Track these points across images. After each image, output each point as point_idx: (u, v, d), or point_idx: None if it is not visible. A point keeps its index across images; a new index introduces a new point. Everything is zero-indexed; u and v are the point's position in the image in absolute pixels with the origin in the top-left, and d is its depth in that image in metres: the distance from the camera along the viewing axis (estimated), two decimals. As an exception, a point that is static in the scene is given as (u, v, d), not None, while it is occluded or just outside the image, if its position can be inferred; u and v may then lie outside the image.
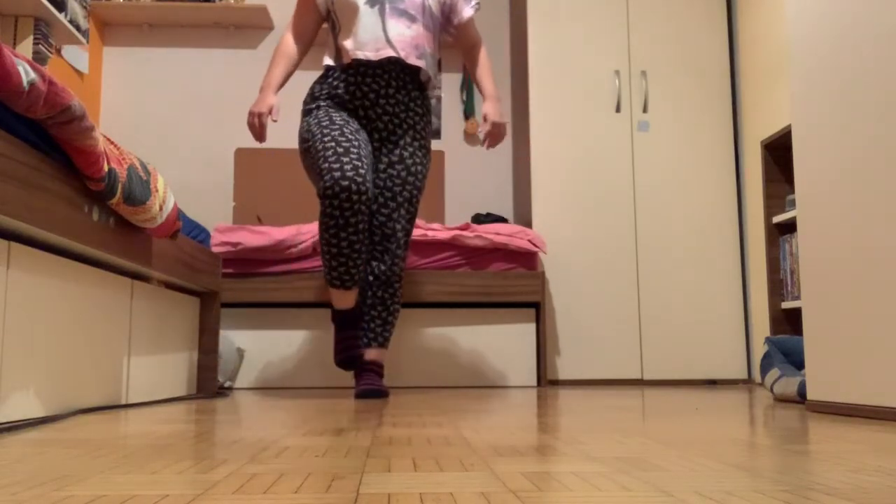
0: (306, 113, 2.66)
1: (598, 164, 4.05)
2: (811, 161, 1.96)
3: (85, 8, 3.99)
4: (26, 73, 1.48)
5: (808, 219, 1.97)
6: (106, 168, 1.79)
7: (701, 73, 4.15)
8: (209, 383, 2.90)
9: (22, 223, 1.53)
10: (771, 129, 3.82)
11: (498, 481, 0.85)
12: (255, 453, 1.10)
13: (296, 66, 2.74)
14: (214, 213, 4.46)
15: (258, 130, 2.62)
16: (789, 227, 3.35)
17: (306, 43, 2.76)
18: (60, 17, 3.57)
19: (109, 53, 4.52)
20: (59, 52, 3.95)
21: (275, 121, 2.61)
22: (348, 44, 2.62)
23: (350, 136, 2.51)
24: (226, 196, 4.49)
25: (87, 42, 3.98)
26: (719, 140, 4.12)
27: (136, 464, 0.99)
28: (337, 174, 2.40)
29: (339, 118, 2.58)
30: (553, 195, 4.01)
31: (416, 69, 2.69)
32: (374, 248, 2.66)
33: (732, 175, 4.10)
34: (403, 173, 2.67)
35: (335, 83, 2.64)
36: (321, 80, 2.68)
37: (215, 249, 3.52)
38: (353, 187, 2.39)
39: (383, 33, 2.61)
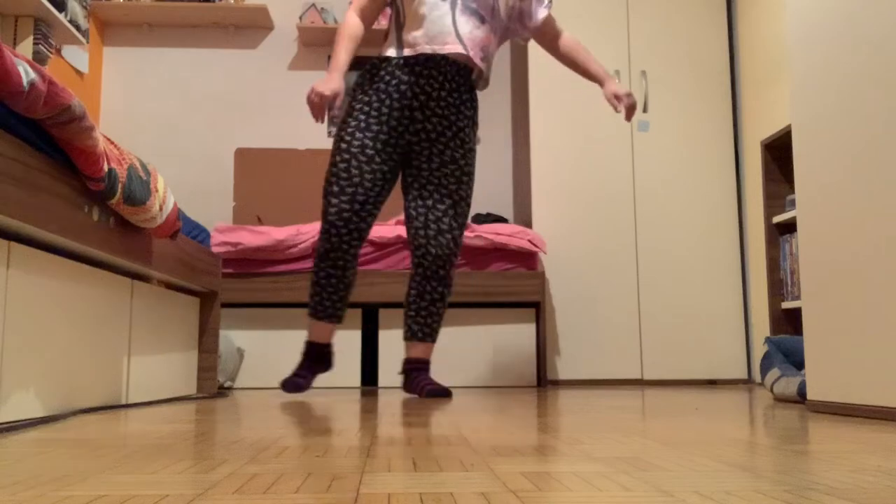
0: (353, 97, 2.63)
1: (598, 164, 4.05)
2: (811, 161, 1.96)
3: (85, 8, 3.99)
4: (26, 73, 1.48)
5: (808, 219, 1.97)
6: (106, 168, 1.79)
7: (701, 73, 4.15)
8: (209, 383, 2.90)
9: (22, 223, 1.53)
10: (771, 129, 3.82)
11: (498, 481, 0.85)
12: (255, 453, 1.10)
13: (357, 47, 2.69)
14: (214, 213, 4.46)
15: (318, 110, 2.55)
16: (789, 227, 3.35)
17: (368, 26, 2.71)
18: (60, 17, 3.57)
19: (109, 53, 4.52)
20: (59, 52, 3.95)
21: (335, 111, 2.58)
22: (414, 35, 2.57)
23: (354, 172, 2.54)
24: (226, 196, 4.49)
25: (87, 42, 3.98)
26: (719, 140, 4.12)
27: (136, 464, 0.99)
28: (333, 209, 2.54)
29: (358, 146, 2.55)
30: (553, 195, 4.01)
31: (469, 70, 2.64)
32: (429, 244, 2.61)
33: (732, 175, 4.10)
34: (458, 173, 2.64)
35: (388, 78, 2.58)
36: (373, 71, 2.62)
37: (215, 249, 3.52)
38: (333, 230, 2.54)
39: (453, 28, 2.56)
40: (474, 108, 2.70)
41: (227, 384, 3.49)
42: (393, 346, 3.65)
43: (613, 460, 1.02)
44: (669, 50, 4.15)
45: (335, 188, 2.55)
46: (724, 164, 4.10)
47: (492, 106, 4.62)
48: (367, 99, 2.59)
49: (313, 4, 4.49)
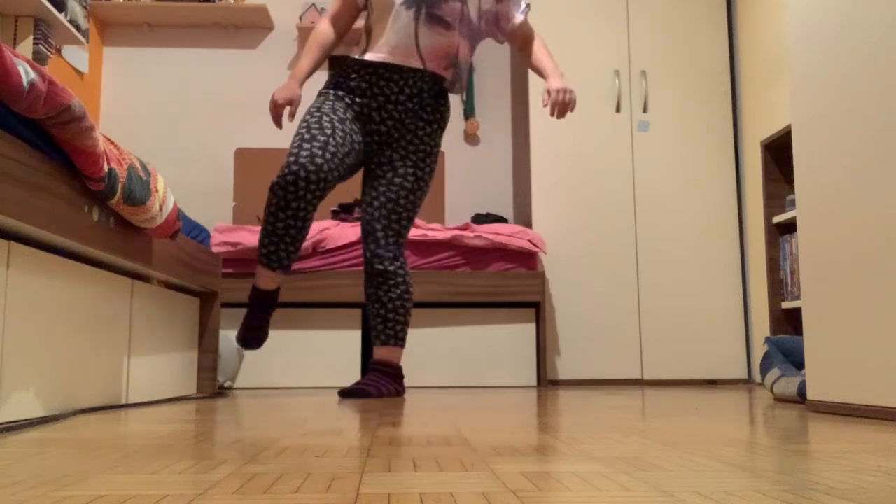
0: (317, 97, 2.66)
1: (598, 164, 4.05)
2: (811, 161, 1.96)
3: (85, 8, 3.99)
4: (26, 73, 1.48)
5: (808, 219, 1.97)
6: (106, 168, 1.79)
7: (701, 73, 4.15)
8: (209, 383, 2.90)
9: (22, 223, 1.53)
10: (771, 129, 3.82)
11: (498, 481, 0.85)
12: (255, 453, 1.10)
13: (327, 55, 2.69)
14: (214, 213, 4.46)
15: (274, 117, 2.61)
16: (789, 227, 3.35)
17: (340, 33, 2.70)
18: (60, 17, 3.57)
19: (109, 53, 4.52)
20: (59, 52, 3.95)
21: (290, 118, 2.58)
22: (379, 43, 2.58)
23: (326, 125, 2.50)
24: (226, 196, 4.49)
25: (87, 42, 3.98)
26: (719, 140, 4.12)
27: (136, 464, 0.99)
28: (291, 158, 2.45)
29: (328, 107, 2.56)
30: (553, 195, 4.01)
31: (437, 77, 2.63)
32: (367, 242, 2.65)
33: (732, 175, 4.10)
34: (406, 183, 2.64)
35: (353, 76, 2.60)
36: (343, 70, 2.64)
37: (215, 249, 3.52)
38: (302, 174, 2.42)
39: (415, 41, 2.56)
40: (440, 113, 2.68)
41: (227, 384, 3.49)
42: (393, 346, 3.65)
43: (613, 460, 1.02)
44: (669, 50, 4.15)
45: (307, 135, 2.48)
46: (724, 164, 4.10)
47: (492, 106, 4.62)
48: (331, 94, 2.61)
49: (313, 4, 4.49)
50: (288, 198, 2.44)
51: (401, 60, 2.57)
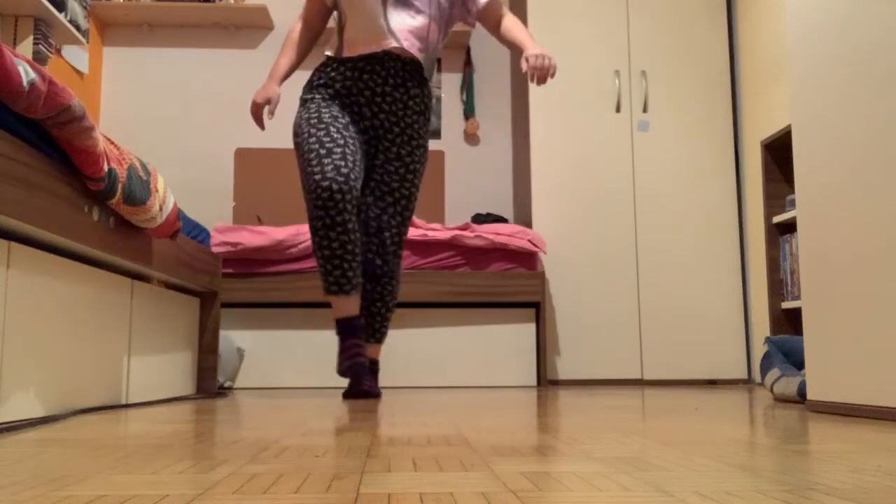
0: (302, 103, 2.61)
1: (598, 164, 4.05)
2: (811, 161, 1.96)
3: (85, 8, 3.99)
4: (26, 73, 1.48)
5: (808, 219, 1.97)
6: (106, 168, 1.79)
7: (701, 73, 4.15)
8: (209, 383, 2.90)
9: (22, 223, 1.53)
10: (771, 129, 3.82)
11: (498, 481, 0.85)
12: (255, 453, 1.10)
13: (303, 56, 2.68)
14: (214, 213, 4.46)
15: (255, 118, 2.62)
16: (789, 227, 3.35)
17: (314, 33, 2.70)
18: (60, 17, 3.57)
19: (109, 53, 4.52)
20: (59, 52, 3.95)
21: (269, 116, 2.58)
22: (351, 36, 2.57)
23: (336, 135, 2.47)
24: (226, 196, 4.49)
25: (87, 42, 3.98)
26: (719, 140, 4.12)
27: (136, 464, 0.99)
28: (318, 177, 2.38)
29: (328, 114, 2.52)
30: (553, 195, 4.01)
31: (418, 65, 2.60)
32: (369, 243, 2.59)
33: (732, 175, 4.10)
34: (402, 170, 2.61)
35: (333, 75, 2.57)
36: (321, 69, 2.61)
37: (215, 249, 3.52)
38: (335, 186, 2.37)
39: (385, 22, 2.53)
40: (425, 103, 2.66)
41: (227, 384, 3.49)
42: (393, 345, 3.65)
43: (613, 460, 1.02)
44: (669, 50, 4.15)
45: (322, 150, 2.43)
46: (724, 164, 4.10)
47: (492, 106, 4.62)
48: (317, 96, 2.57)
49: (313, 4, 4.49)
50: (331, 213, 2.37)
51: (376, 47, 2.54)
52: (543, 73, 2.48)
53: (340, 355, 2.47)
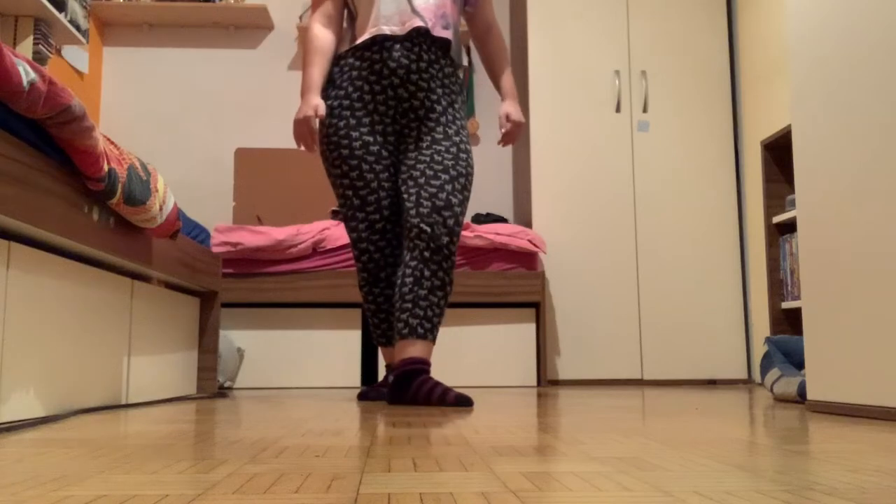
0: (327, 112, 2.41)
1: (598, 164, 4.05)
2: (811, 161, 1.96)
3: (85, 8, 3.99)
4: (26, 73, 1.48)
5: (808, 219, 1.97)
6: (106, 168, 1.79)
7: (701, 73, 4.15)
8: (209, 383, 2.90)
9: (22, 223, 1.53)
10: (771, 129, 3.82)
11: (498, 481, 0.85)
12: (255, 453, 1.10)
13: (331, 57, 2.44)
14: (214, 213, 4.46)
15: (309, 139, 2.36)
16: (789, 227, 3.35)
17: (336, 30, 2.46)
18: (60, 17, 3.57)
19: (109, 53, 4.52)
20: (59, 52, 3.95)
21: (320, 116, 2.35)
22: (369, 20, 2.37)
23: (369, 176, 2.35)
24: (226, 196, 4.49)
25: (87, 42, 3.98)
26: (719, 140, 4.12)
27: (136, 464, 0.99)
28: (354, 235, 2.43)
29: (358, 142, 2.35)
30: (553, 195, 4.01)
31: (447, 43, 2.41)
32: (422, 220, 2.27)
33: (732, 175, 4.10)
34: (453, 149, 2.36)
35: (358, 63, 2.37)
36: (339, 62, 2.42)
37: (215, 249, 3.52)
38: (372, 248, 2.42)
39: (408, 3, 2.36)
40: (459, 85, 2.47)
41: (227, 384, 3.49)
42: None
43: (613, 460, 1.02)
44: (669, 50, 4.15)
45: (356, 200, 2.38)
46: (724, 164, 4.10)
47: (492, 106, 4.62)
48: (342, 93, 2.38)
49: (313, 4, 4.49)
50: (372, 272, 2.45)
51: (400, 27, 2.35)
52: (513, 140, 2.52)
53: (377, 385, 2.57)
